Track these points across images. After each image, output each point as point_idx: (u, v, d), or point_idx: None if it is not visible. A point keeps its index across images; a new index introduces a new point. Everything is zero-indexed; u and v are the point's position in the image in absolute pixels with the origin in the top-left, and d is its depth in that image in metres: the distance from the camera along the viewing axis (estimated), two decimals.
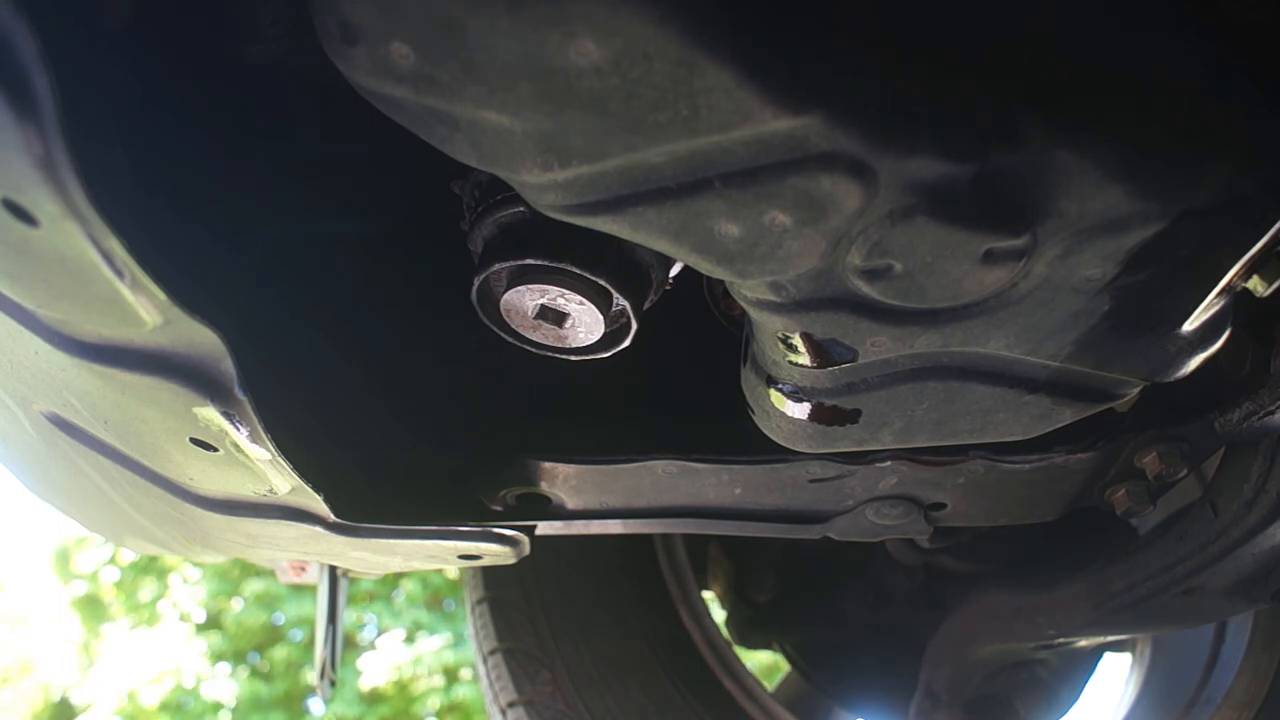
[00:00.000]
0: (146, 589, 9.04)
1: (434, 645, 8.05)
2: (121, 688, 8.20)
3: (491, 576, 1.69)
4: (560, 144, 0.52)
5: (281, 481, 0.78)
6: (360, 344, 1.03)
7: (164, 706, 8.16)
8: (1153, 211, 0.55)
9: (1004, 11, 0.51)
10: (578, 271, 0.69)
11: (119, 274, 0.54)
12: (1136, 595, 1.07)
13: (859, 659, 1.92)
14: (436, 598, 8.60)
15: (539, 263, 0.69)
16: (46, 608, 9.44)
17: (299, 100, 0.85)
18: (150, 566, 8.85)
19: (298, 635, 8.70)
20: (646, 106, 0.49)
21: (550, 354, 0.78)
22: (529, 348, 0.78)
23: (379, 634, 8.56)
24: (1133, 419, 0.93)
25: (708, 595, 1.95)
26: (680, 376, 1.06)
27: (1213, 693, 1.57)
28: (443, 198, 0.79)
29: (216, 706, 8.28)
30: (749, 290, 0.63)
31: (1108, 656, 1.70)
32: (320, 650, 1.73)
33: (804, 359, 0.68)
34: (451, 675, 8.06)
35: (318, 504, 0.83)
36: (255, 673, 8.61)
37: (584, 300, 0.71)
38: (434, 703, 7.96)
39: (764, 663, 3.77)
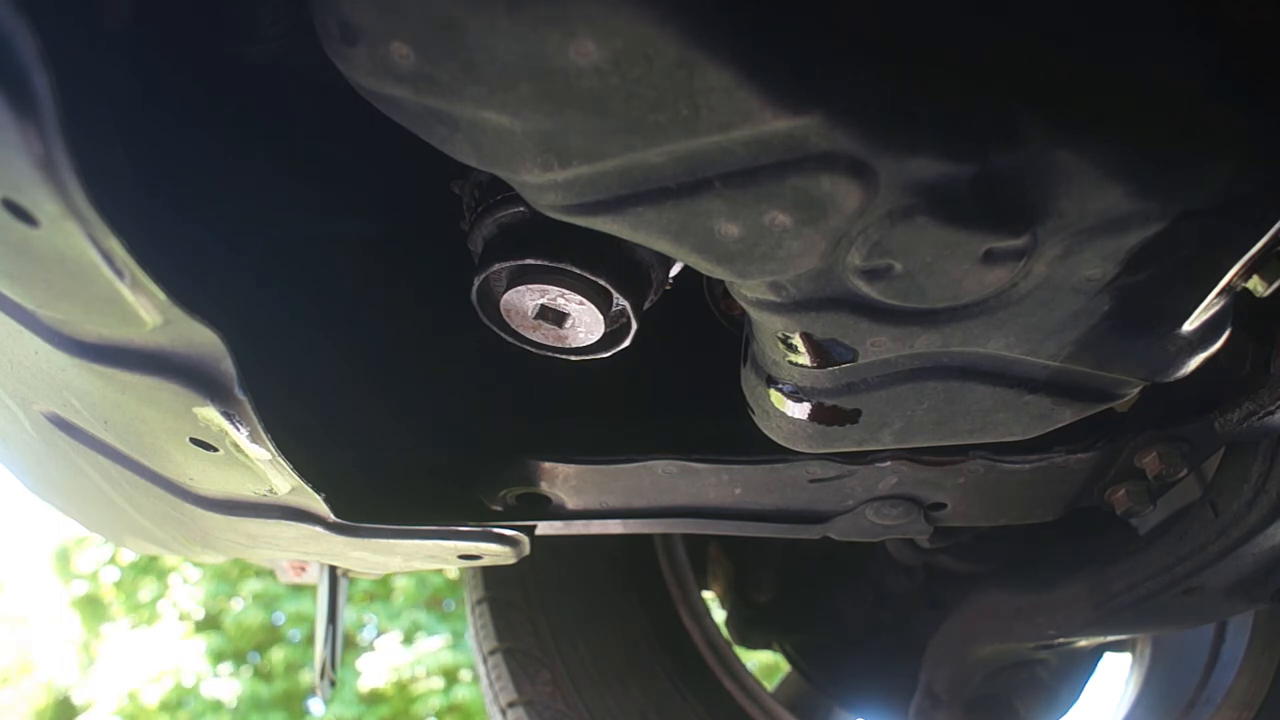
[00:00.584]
0: (146, 589, 9.05)
1: (433, 646, 8.05)
2: (122, 687, 8.20)
3: (491, 576, 1.69)
4: (560, 144, 0.52)
5: (281, 481, 0.78)
6: (360, 344, 1.02)
7: (164, 706, 8.17)
8: (1153, 212, 0.55)
9: (1004, 11, 0.51)
10: (578, 271, 0.69)
11: (119, 274, 0.54)
12: (1136, 595, 1.07)
13: (859, 659, 1.92)
14: (436, 598, 8.60)
15: (539, 263, 0.69)
16: (47, 607, 9.46)
17: (299, 100, 0.85)
18: (150, 566, 8.86)
19: (297, 635, 8.70)
20: (646, 106, 0.49)
21: (550, 354, 0.78)
22: (529, 348, 0.78)
23: (378, 634, 8.57)
24: (1133, 419, 0.93)
25: (708, 595, 1.95)
26: (680, 376, 1.06)
27: (1213, 693, 1.56)
28: (443, 198, 0.79)
29: (216, 706, 8.27)
30: (749, 290, 0.63)
31: (1108, 656, 1.70)
32: (320, 650, 1.73)
33: (804, 359, 0.68)
34: (451, 676, 8.06)
35: (318, 504, 0.83)
36: (255, 672, 8.62)
37: (584, 300, 0.71)
38: (434, 703, 7.96)
39: (764, 663, 3.77)
